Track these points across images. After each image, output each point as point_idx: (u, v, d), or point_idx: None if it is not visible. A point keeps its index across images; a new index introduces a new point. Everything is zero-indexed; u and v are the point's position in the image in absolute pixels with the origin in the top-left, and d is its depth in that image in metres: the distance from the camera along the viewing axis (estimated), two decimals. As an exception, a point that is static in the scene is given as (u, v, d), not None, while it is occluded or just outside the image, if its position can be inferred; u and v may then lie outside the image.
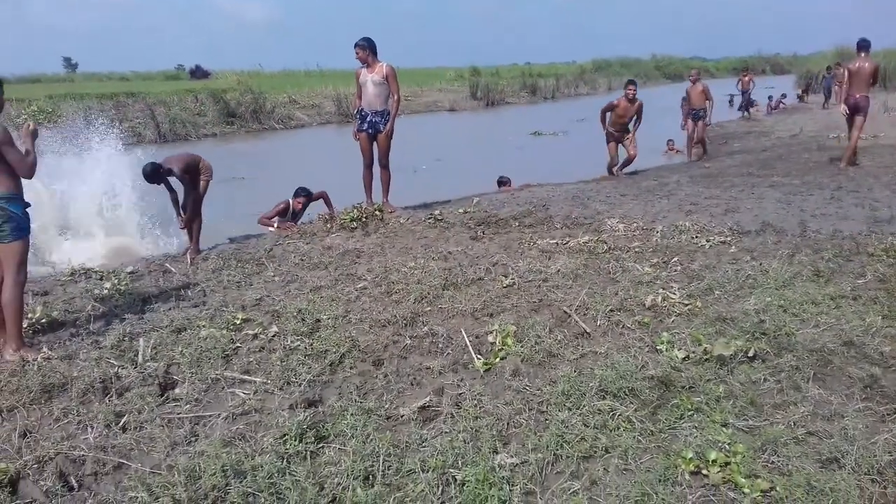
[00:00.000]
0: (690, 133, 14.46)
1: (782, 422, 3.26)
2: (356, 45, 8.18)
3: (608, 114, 11.89)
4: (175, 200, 7.28)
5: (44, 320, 5.03)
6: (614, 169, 12.20)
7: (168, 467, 3.16)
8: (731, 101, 26.98)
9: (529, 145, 20.67)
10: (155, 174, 6.92)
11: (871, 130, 12.73)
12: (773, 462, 2.94)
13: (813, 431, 3.16)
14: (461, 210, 8.53)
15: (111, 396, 3.88)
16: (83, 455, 3.29)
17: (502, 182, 11.67)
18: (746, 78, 23.26)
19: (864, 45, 11.04)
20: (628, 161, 12.13)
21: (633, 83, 11.82)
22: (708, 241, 6.55)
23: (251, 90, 28.29)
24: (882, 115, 18.00)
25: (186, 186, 7.17)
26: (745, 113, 23.56)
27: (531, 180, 11.84)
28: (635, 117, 11.80)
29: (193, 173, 7.21)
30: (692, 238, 6.70)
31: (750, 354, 3.92)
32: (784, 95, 28.32)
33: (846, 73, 11.15)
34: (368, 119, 8.36)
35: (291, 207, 8.66)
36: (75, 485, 3.12)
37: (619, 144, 12.03)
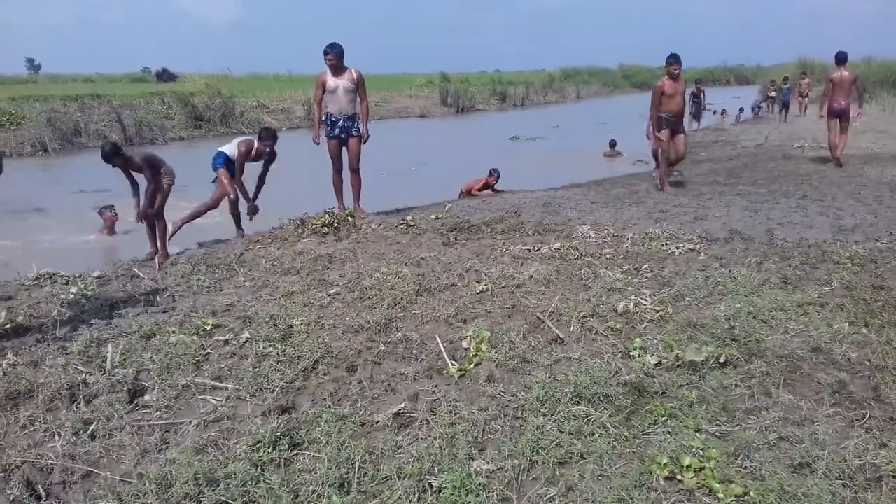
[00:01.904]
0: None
1: (754, 427, 3.30)
2: (333, 51, 8.10)
3: (660, 99, 10.17)
4: (136, 192, 7.22)
5: (8, 326, 4.91)
6: (663, 182, 10.57)
7: (138, 476, 3.10)
8: (722, 112, 26.99)
9: (510, 149, 20.77)
10: (113, 155, 6.93)
11: (845, 145, 13.03)
12: (746, 467, 2.97)
13: (784, 436, 3.21)
14: (433, 216, 8.52)
15: (79, 403, 3.80)
16: (51, 463, 3.22)
17: (491, 174, 12.18)
18: (699, 90, 23.13)
19: (842, 58, 12.16)
20: (678, 159, 10.72)
21: (675, 58, 9.97)
22: (677, 248, 6.62)
23: (220, 94, 28.06)
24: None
25: (148, 181, 7.12)
26: (696, 123, 23.33)
27: (515, 184, 11.99)
28: (686, 102, 10.46)
29: (155, 170, 7.15)
30: (662, 245, 6.77)
31: (721, 360, 3.96)
32: (741, 110, 28.65)
33: (830, 83, 12.06)
34: (340, 124, 8.31)
35: (256, 150, 8.42)
36: (43, 494, 3.05)
37: (676, 134, 10.36)
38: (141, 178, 7.26)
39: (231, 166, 8.31)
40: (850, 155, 13.25)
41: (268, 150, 8.50)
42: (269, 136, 8.53)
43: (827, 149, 13.15)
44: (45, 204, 12.39)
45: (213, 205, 8.47)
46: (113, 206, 10.05)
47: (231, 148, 8.36)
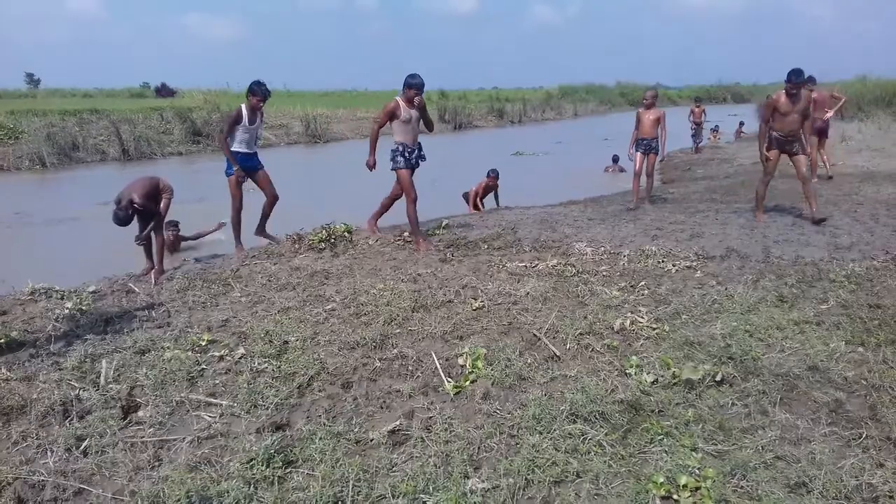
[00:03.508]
0: (638, 169, 11.16)
1: (751, 446, 3.29)
2: (417, 82, 7.79)
3: (772, 115, 9.15)
4: (139, 225, 7.19)
5: (2, 340, 4.88)
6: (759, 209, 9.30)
7: (131, 493, 3.08)
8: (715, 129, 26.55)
9: (514, 164, 20.78)
10: (126, 215, 6.82)
11: (830, 159, 13.25)
12: (742, 487, 2.96)
13: (781, 456, 3.20)
14: (430, 232, 8.52)
15: (72, 419, 3.78)
16: (43, 480, 3.19)
17: (489, 175, 12.35)
18: (699, 109, 22.41)
19: (809, 79, 12.23)
20: (806, 178, 9.09)
21: (796, 74, 8.72)
22: (674, 265, 6.63)
23: (218, 109, 28.10)
24: (840, 145, 18.45)
25: (151, 209, 7.07)
26: (695, 145, 22.23)
27: (520, 198, 12.02)
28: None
29: (154, 196, 7.13)
30: (658, 262, 6.77)
31: (718, 379, 3.96)
32: (742, 123, 28.72)
33: (813, 102, 12.51)
34: (416, 154, 8.03)
35: (251, 107, 7.98)
36: (33, 511, 3.03)
37: (786, 155, 9.15)
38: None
39: (247, 161, 8.13)
40: (847, 173, 13.32)
41: (262, 104, 8.09)
42: (261, 90, 8.00)
43: (823, 166, 13.31)
44: (76, 214, 12.38)
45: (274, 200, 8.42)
46: (177, 222, 9.62)
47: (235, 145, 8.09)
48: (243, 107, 8.04)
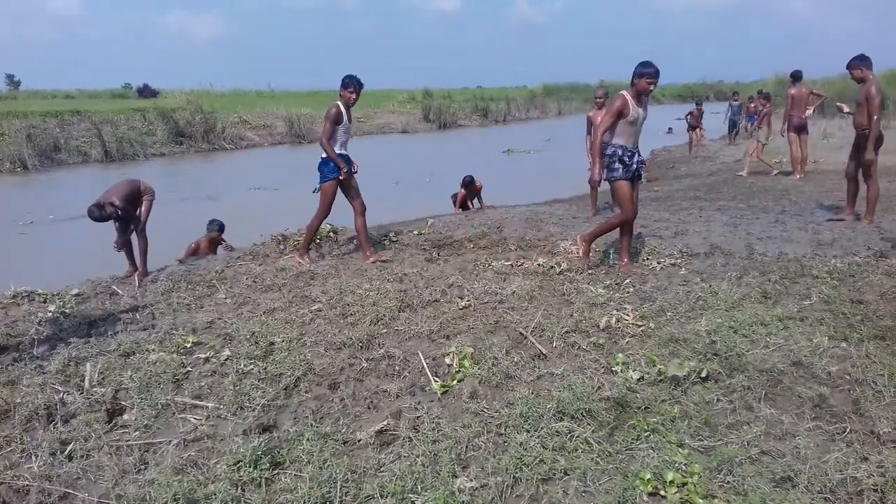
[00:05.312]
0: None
1: (736, 441, 3.31)
2: (657, 72, 6.17)
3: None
4: (119, 228, 7.14)
5: (-16, 345, 4.85)
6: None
7: (117, 497, 3.06)
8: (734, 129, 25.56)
9: (506, 162, 20.79)
10: (101, 212, 6.75)
11: (812, 156, 13.42)
12: (728, 482, 2.98)
13: (766, 451, 3.22)
14: (416, 231, 8.52)
15: (56, 423, 3.75)
16: (27, 485, 3.17)
17: (466, 183, 11.92)
18: (698, 111, 22.10)
19: (797, 76, 13.14)
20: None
21: (862, 59, 8.28)
22: (658, 262, 6.66)
23: (201, 110, 27.98)
24: (821, 142, 18.62)
25: (130, 213, 7.02)
26: (690, 147, 21.79)
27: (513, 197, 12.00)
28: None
29: (134, 199, 7.08)
30: (643, 260, 6.80)
31: (703, 375, 3.97)
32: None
33: (790, 98, 12.66)
34: (637, 159, 6.46)
35: (346, 102, 7.14)
36: (18, 517, 3.00)
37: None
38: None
39: (348, 165, 7.19)
40: (829, 170, 13.45)
41: (357, 96, 7.20)
42: (353, 81, 7.13)
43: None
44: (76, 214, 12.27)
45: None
46: (222, 223, 9.23)
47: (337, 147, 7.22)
48: (340, 105, 7.14)
